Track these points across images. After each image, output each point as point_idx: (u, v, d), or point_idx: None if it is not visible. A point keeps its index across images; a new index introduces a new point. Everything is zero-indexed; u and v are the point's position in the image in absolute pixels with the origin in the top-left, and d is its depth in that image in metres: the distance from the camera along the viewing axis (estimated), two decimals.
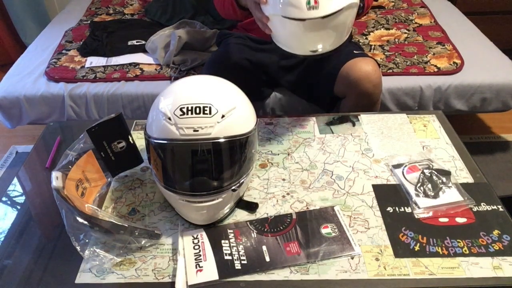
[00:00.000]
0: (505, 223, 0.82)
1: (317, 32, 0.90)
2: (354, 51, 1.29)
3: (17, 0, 2.50)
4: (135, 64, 1.76)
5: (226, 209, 0.84)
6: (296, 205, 0.88)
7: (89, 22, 2.12)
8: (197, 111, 0.75)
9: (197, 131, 0.75)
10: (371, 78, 1.22)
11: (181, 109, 0.75)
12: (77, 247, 0.77)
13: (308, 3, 0.84)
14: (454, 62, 1.67)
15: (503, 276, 0.73)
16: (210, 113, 0.75)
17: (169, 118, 0.76)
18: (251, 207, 0.87)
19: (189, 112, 0.75)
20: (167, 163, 0.81)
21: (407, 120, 1.12)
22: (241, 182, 0.82)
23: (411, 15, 2.06)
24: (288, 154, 1.02)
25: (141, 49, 1.85)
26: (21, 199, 0.96)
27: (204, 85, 0.82)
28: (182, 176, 0.81)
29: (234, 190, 0.81)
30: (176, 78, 1.65)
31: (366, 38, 1.88)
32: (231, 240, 0.80)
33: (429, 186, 0.89)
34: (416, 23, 1.99)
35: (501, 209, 0.85)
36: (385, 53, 1.76)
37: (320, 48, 0.94)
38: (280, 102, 1.60)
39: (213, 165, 0.78)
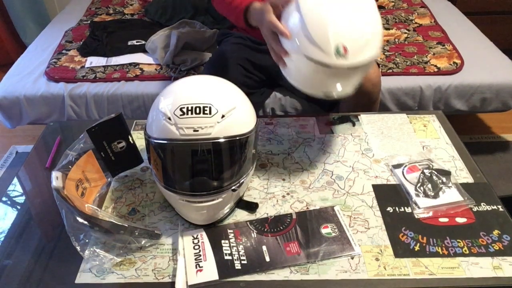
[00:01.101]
0: (505, 223, 0.82)
1: (338, 79, 0.85)
2: None
3: (17, 0, 2.50)
4: (135, 64, 1.76)
5: (226, 209, 0.84)
6: (296, 205, 0.88)
7: (89, 22, 2.12)
8: (197, 111, 0.75)
9: (197, 131, 0.75)
10: (370, 77, 1.22)
11: (181, 109, 0.75)
12: (77, 247, 0.77)
13: (337, 50, 0.79)
14: (454, 62, 1.67)
15: (503, 276, 0.73)
16: (210, 113, 0.75)
17: (169, 118, 0.76)
18: (251, 207, 0.87)
19: (189, 112, 0.75)
20: (167, 163, 0.81)
21: (407, 120, 1.12)
22: (241, 182, 0.82)
23: (411, 15, 2.06)
24: (288, 154, 1.02)
25: (141, 49, 1.85)
26: (21, 199, 0.96)
27: (204, 85, 0.82)
28: (182, 176, 0.81)
29: (234, 190, 0.81)
30: (176, 78, 1.65)
31: None
32: (231, 240, 0.80)
33: (429, 186, 0.89)
34: (416, 23, 1.99)
35: (501, 209, 0.85)
36: (385, 53, 1.76)
37: (335, 93, 0.88)
38: (280, 102, 1.60)
39: (213, 165, 0.78)
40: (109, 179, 0.94)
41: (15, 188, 0.98)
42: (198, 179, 0.79)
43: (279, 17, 0.89)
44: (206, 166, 0.78)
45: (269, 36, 0.90)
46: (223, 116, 0.76)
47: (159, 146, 0.79)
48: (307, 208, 0.87)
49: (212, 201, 0.79)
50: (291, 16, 0.85)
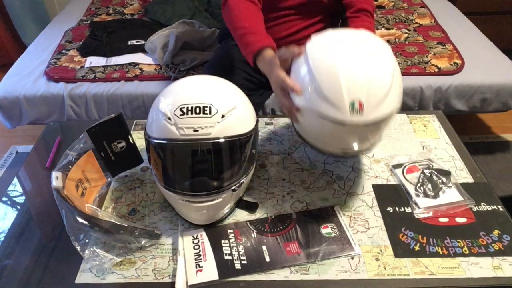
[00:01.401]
0: (505, 223, 0.82)
1: (355, 136, 0.78)
2: None
3: (17, 0, 2.50)
4: (135, 64, 1.76)
5: (226, 209, 0.84)
6: (296, 205, 0.88)
7: (89, 22, 2.12)
8: (197, 111, 0.75)
9: (197, 131, 0.75)
10: None
11: (181, 109, 0.75)
12: (77, 247, 0.77)
13: (352, 106, 0.72)
14: (454, 63, 1.67)
15: (503, 276, 0.73)
16: (210, 113, 0.75)
17: (169, 118, 0.76)
18: (251, 207, 0.87)
19: (189, 112, 0.75)
20: (167, 163, 0.81)
21: (407, 120, 1.12)
22: (241, 182, 0.82)
23: (411, 15, 2.06)
24: (288, 154, 1.02)
25: (141, 49, 1.85)
26: (21, 199, 0.96)
27: (204, 85, 0.82)
28: (182, 176, 0.81)
29: (234, 190, 0.81)
30: (176, 78, 1.65)
31: None
32: (231, 240, 0.80)
33: (429, 186, 0.89)
34: (416, 23, 1.99)
35: (501, 209, 0.85)
36: None
37: (352, 149, 0.83)
38: None
39: (213, 165, 0.78)
40: (109, 179, 0.94)
41: (15, 188, 0.98)
42: (198, 179, 0.79)
43: (288, 70, 0.84)
44: (206, 166, 0.78)
45: (278, 91, 0.86)
46: (223, 116, 0.76)
47: (159, 146, 0.79)
48: (307, 208, 0.87)
49: (212, 201, 0.79)
50: (301, 69, 0.79)
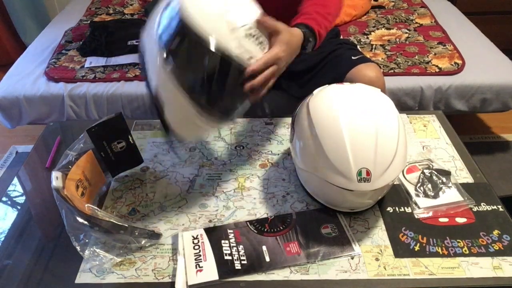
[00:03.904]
0: (505, 223, 0.82)
1: (362, 198, 0.81)
2: (352, 57, 1.28)
3: (17, 0, 2.50)
4: (135, 64, 1.76)
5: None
6: (296, 205, 0.88)
7: (89, 22, 2.12)
8: None
9: None
10: (375, 85, 1.21)
11: None
12: (77, 247, 0.77)
13: (359, 174, 0.75)
14: (455, 63, 1.67)
15: (503, 276, 0.73)
16: None
17: None
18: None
19: None
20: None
21: (407, 120, 1.12)
22: None
23: (412, 15, 2.06)
24: (288, 154, 1.02)
25: None
26: (21, 199, 0.96)
27: None
28: None
29: None
30: None
31: (367, 38, 1.88)
32: (231, 240, 0.80)
33: (429, 186, 0.89)
34: (416, 23, 1.99)
35: (501, 209, 0.85)
36: (386, 53, 1.76)
37: (361, 208, 0.85)
38: (280, 102, 1.60)
39: None
40: (109, 179, 0.94)
41: (15, 188, 0.98)
42: None
43: None
44: None
45: None
46: None
47: None
48: (307, 208, 0.87)
49: None
50: (306, 134, 0.81)
